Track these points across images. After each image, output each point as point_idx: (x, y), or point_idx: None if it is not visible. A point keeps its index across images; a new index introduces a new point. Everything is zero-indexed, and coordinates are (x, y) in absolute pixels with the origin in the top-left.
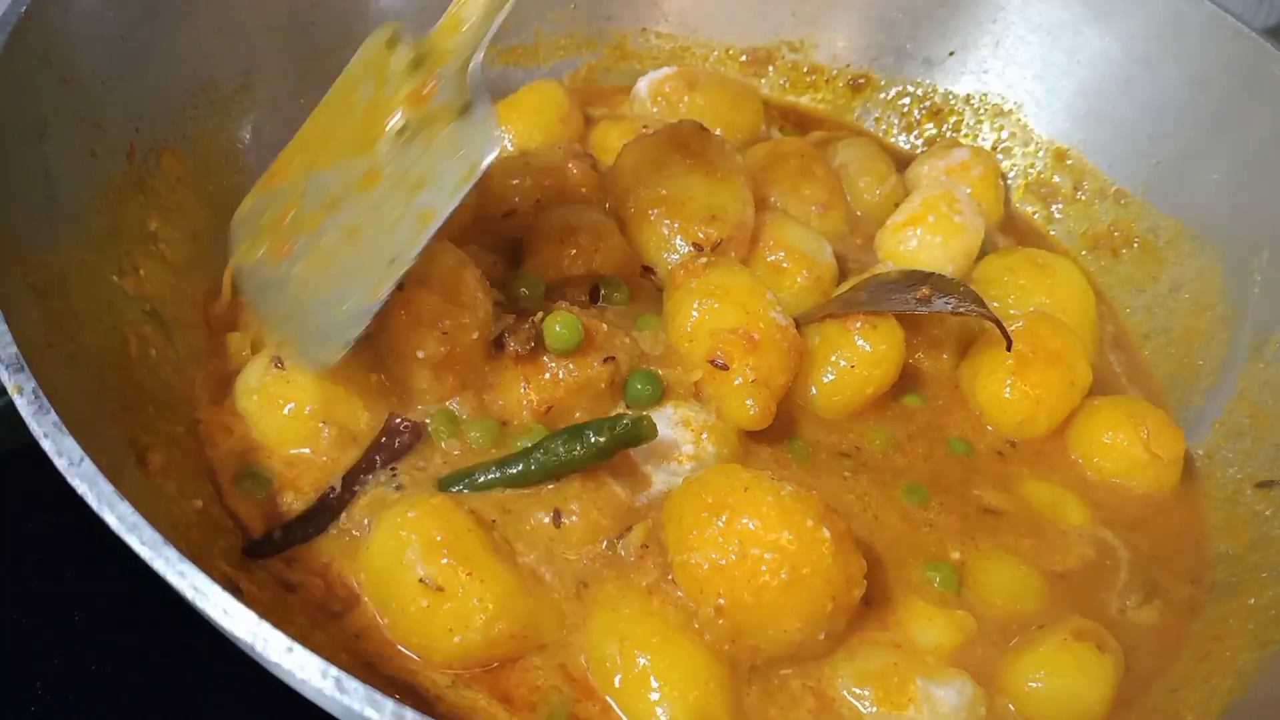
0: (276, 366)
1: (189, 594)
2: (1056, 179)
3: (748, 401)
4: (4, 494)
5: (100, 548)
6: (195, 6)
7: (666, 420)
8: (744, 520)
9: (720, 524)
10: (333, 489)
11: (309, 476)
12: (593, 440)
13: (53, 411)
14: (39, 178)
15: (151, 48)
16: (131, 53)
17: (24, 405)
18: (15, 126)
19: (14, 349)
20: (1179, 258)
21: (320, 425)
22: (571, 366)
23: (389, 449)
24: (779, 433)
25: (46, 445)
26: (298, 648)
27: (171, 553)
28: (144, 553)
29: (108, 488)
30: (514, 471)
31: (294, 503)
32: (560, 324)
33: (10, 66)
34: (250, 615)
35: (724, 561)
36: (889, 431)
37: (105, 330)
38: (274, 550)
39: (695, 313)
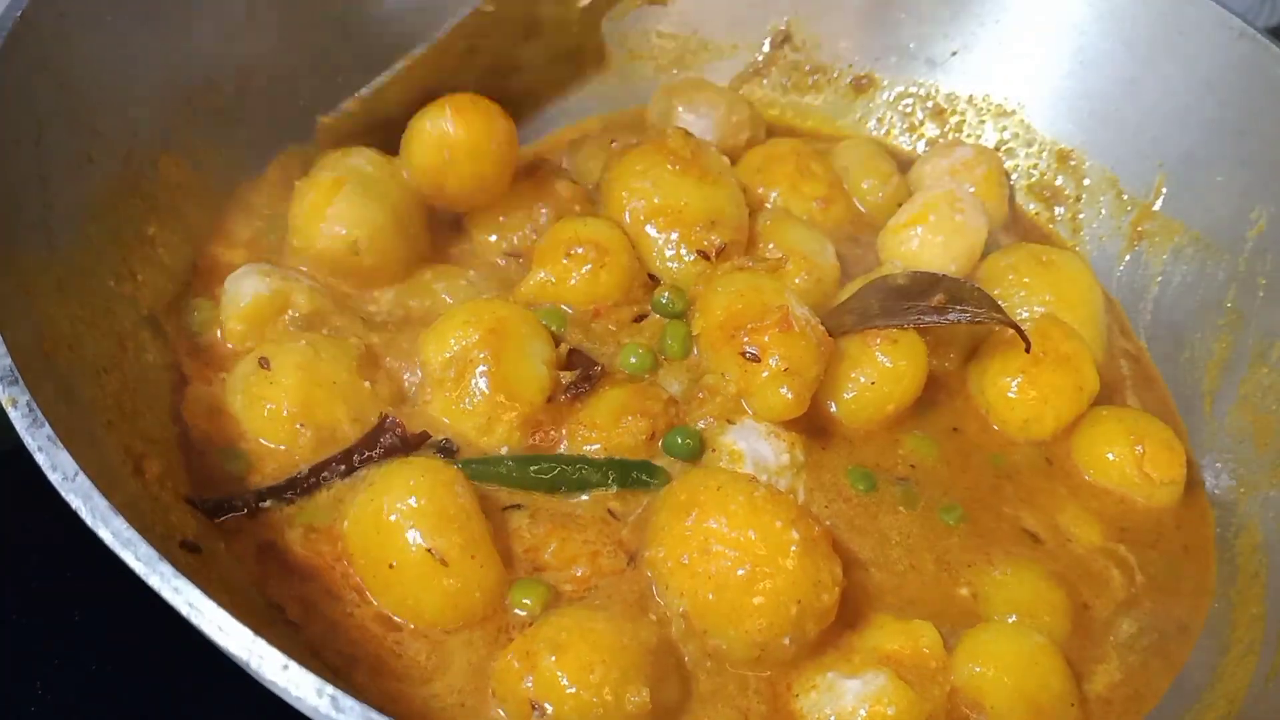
0: (263, 367)
1: (184, 610)
2: (1059, 181)
3: (782, 389)
4: (3, 494)
5: (100, 548)
6: (193, 10)
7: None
8: (711, 519)
9: (689, 522)
10: (299, 473)
11: (275, 468)
12: (608, 478)
13: (47, 424)
14: (35, 184)
15: (148, 51)
16: (128, 56)
17: (18, 419)
18: (11, 132)
19: (8, 360)
20: (1183, 262)
21: (298, 427)
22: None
23: (373, 445)
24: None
25: (41, 459)
26: (293, 665)
27: (167, 568)
28: (139, 568)
29: (102, 502)
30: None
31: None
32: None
33: (6, 71)
34: (246, 632)
35: (687, 559)
36: (935, 442)
37: (101, 336)
38: (229, 510)
39: (722, 313)
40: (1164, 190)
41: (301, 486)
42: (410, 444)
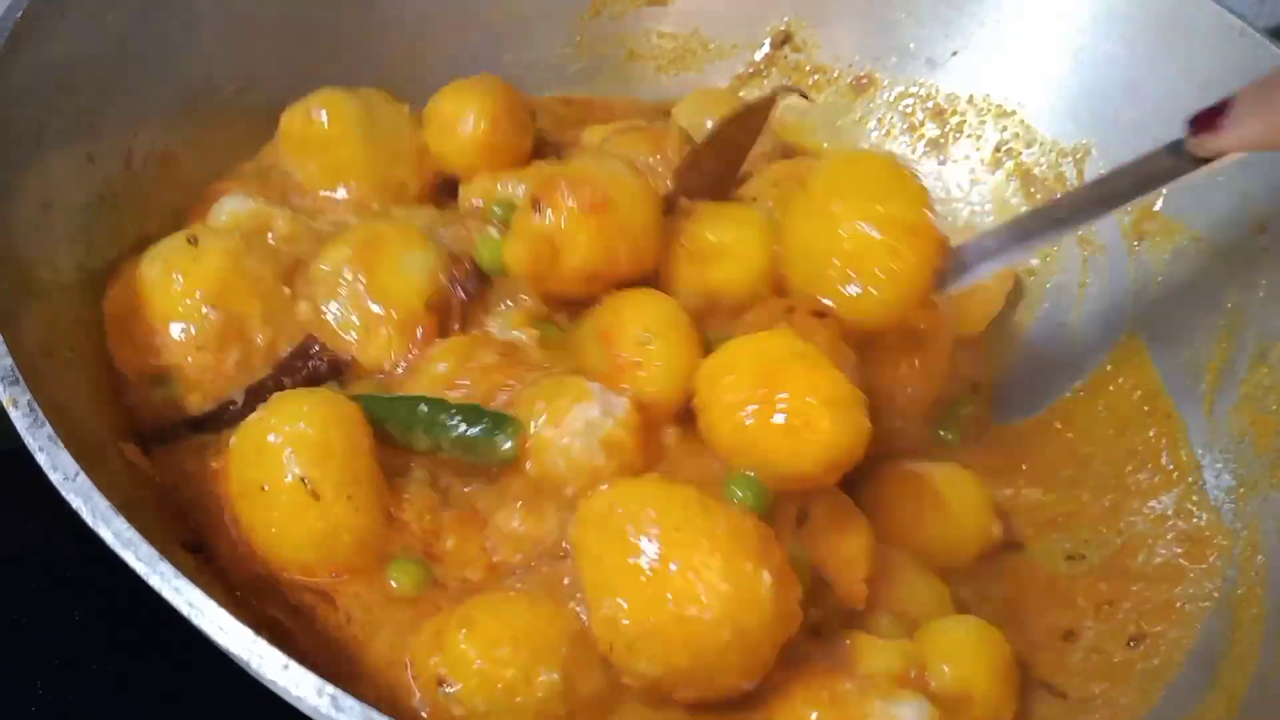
0: (190, 244)
1: (185, 609)
2: (1059, 182)
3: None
4: (3, 493)
5: (100, 547)
6: (194, 9)
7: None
8: (674, 565)
9: (646, 568)
10: (233, 402)
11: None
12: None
13: (47, 424)
14: (35, 183)
15: (150, 51)
16: (130, 56)
17: (19, 418)
18: (11, 132)
19: (9, 360)
20: (1183, 261)
21: (205, 311)
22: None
23: (296, 371)
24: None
25: (41, 459)
26: (293, 665)
27: (167, 568)
28: (140, 568)
29: (103, 502)
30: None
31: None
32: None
33: (6, 71)
34: (247, 632)
35: (653, 620)
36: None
37: (103, 337)
38: (168, 438)
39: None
40: (1164, 190)
41: (239, 415)
42: (336, 369)
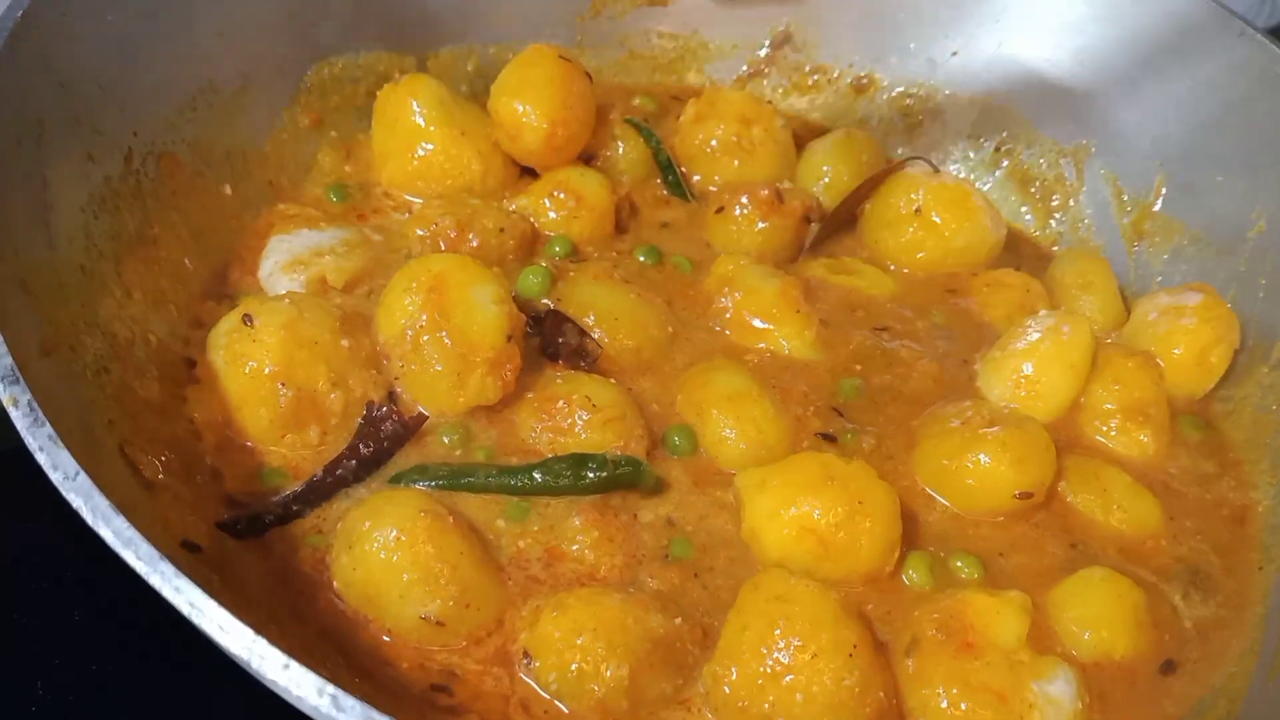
0: (246, 324)
1: (185, 609)
2: (1058, 182)
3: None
4: (3, 493)
5: (100, 547)
6: (194, 9)
7: None
8: (789, 677)
9: (771, 666)
10: (316, 476)
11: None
12: (590, 476)
13: (48, 424)
14: (35, 183)
15: (150, 51)
16: (130, 56)
17: (19, 418)
18: (11, 131)
19: (9, 360)
20: (1183, 261)
21: (279, 387)
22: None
23: (369, 438)
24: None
25: (42, 459)
26: (294, 665)
27: (168, 568)
28: (140, 568)
29: (103, 502)
30: (511, 483)
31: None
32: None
33: (7, 70)
34: (247, 631)
35: (746, 703)
36: None
37: (103, 337)
38: (260, 529)
39: None
40: (1164, 190)
41: (320, 489)
42: (410, 428)
